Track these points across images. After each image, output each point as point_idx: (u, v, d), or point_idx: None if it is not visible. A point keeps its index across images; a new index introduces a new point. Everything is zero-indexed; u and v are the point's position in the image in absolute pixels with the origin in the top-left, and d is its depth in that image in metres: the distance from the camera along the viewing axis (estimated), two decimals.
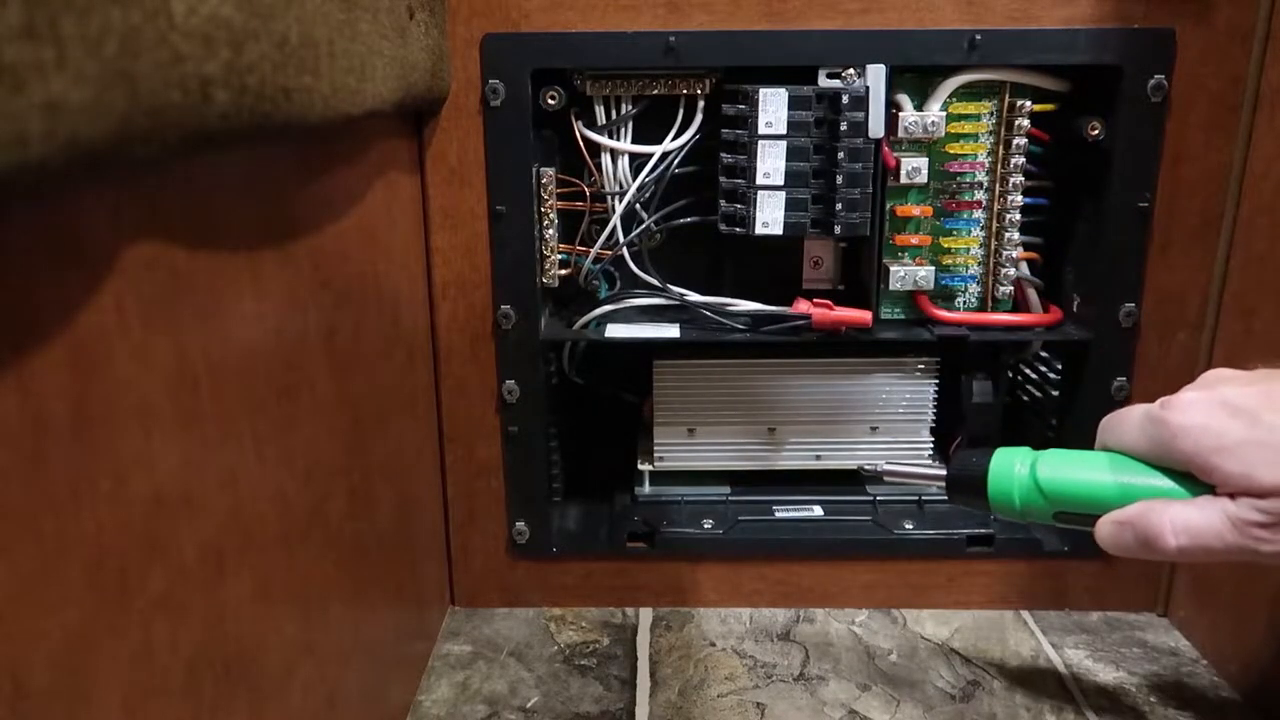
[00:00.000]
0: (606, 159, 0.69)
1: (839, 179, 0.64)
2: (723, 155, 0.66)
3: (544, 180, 0.67)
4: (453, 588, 0.76)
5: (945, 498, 0.76)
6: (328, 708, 0.47)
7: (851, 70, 0.64)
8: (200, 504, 0.34)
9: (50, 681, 0.26)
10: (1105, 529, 0.43)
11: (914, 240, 0.68)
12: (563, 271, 0.70)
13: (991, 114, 0.67)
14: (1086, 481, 0.44)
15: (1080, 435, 0.70)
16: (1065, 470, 0.44)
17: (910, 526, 0.74)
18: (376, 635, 0.56)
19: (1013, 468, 0.45)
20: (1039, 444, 0.75)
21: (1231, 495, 0.39)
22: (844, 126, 0.63)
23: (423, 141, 0.66)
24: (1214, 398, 0.40)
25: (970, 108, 0.66)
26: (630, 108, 0.67)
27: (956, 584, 0.75)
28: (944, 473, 0.49)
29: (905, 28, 0.63)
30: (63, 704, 0.27)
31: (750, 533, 0.74)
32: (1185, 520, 0.40)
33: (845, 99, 0.63)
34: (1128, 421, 0.44)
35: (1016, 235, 0.68)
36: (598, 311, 0.71)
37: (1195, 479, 0.42)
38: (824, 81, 0.64)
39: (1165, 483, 0.42)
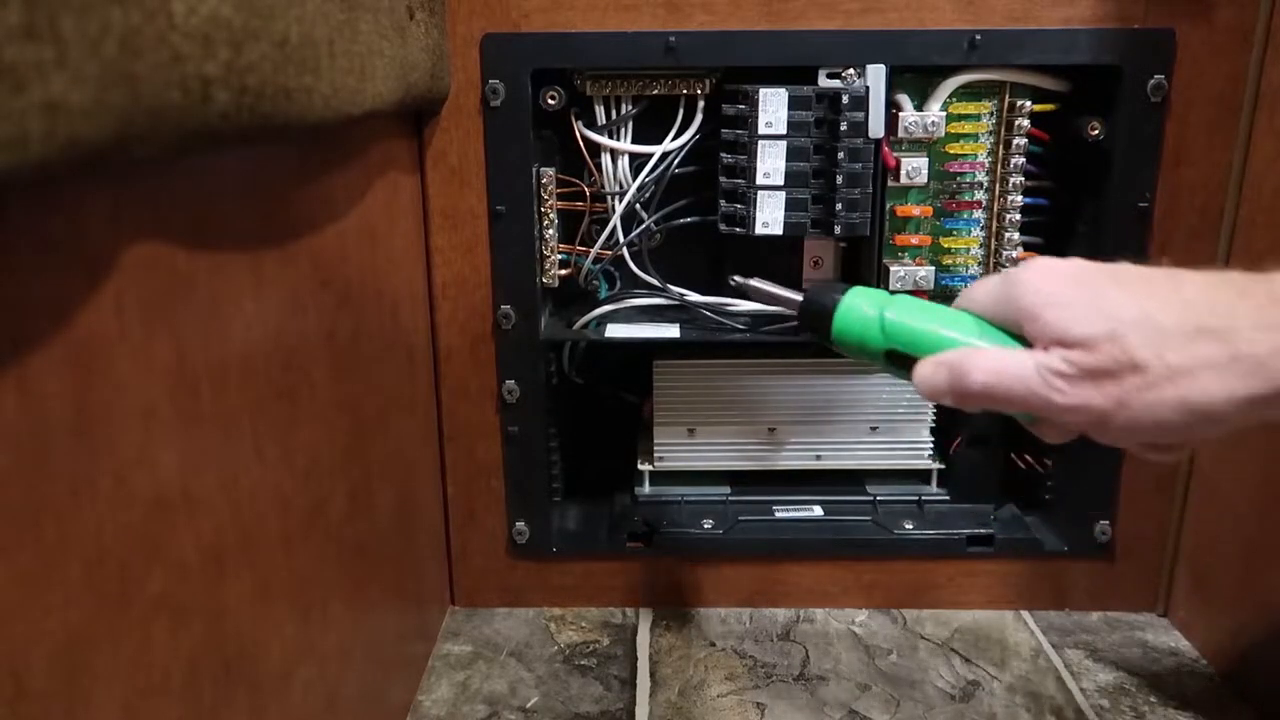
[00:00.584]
0: (606, 159, 0.69)
1: (839, 179, 0.64)
2: (723, 155, 0.66)
3: (544, 180, 0.67)
4: (453, 588, 0.76)
5: (944, 496, 0.77)
6: (328, 708, 0.47)
7: (851, 70, 0.64)
8: (200, 504, 0.34)
9: (50, 681, 0.26)
10: (924, 367, 0.43)
11: (914, 240, 0.68)
12: (563, 271, 0.70)
13: (991, 114, 0.67)
14: (925, 328, 0.44)
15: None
16: (910, 316, 0.45)
17: (910, 526, 0.74)
18: (376, 635, 0.56)
19: (861, 306, 0.46)
20: (1039, 444, 0.76)
21: (1046, 348, 0.39)
22: (844, 126, 0.63)
23: (423, 141, 0.66)
24: (1069, 266, 0.40)
25: (970, 108, 0.66)
26: (630, 108, 0.67)
27: (956, 584, 0.75)
28: (799, 298, 0.50)
29: (905, 28, 0.63)
30: (63, 704, 0.27)
31: (750, 533, 0.74)
32: (996, 361, 0.40)
33: (845, 99, 0.63)
34: (985, 282, 0.44)
35: (1016, 235, 0.68)
36: (598, 311, 0.71)
37: (1024, 342, 0.42)
38: (824, 81, 0.64)
39: (997, 338, 0.42)
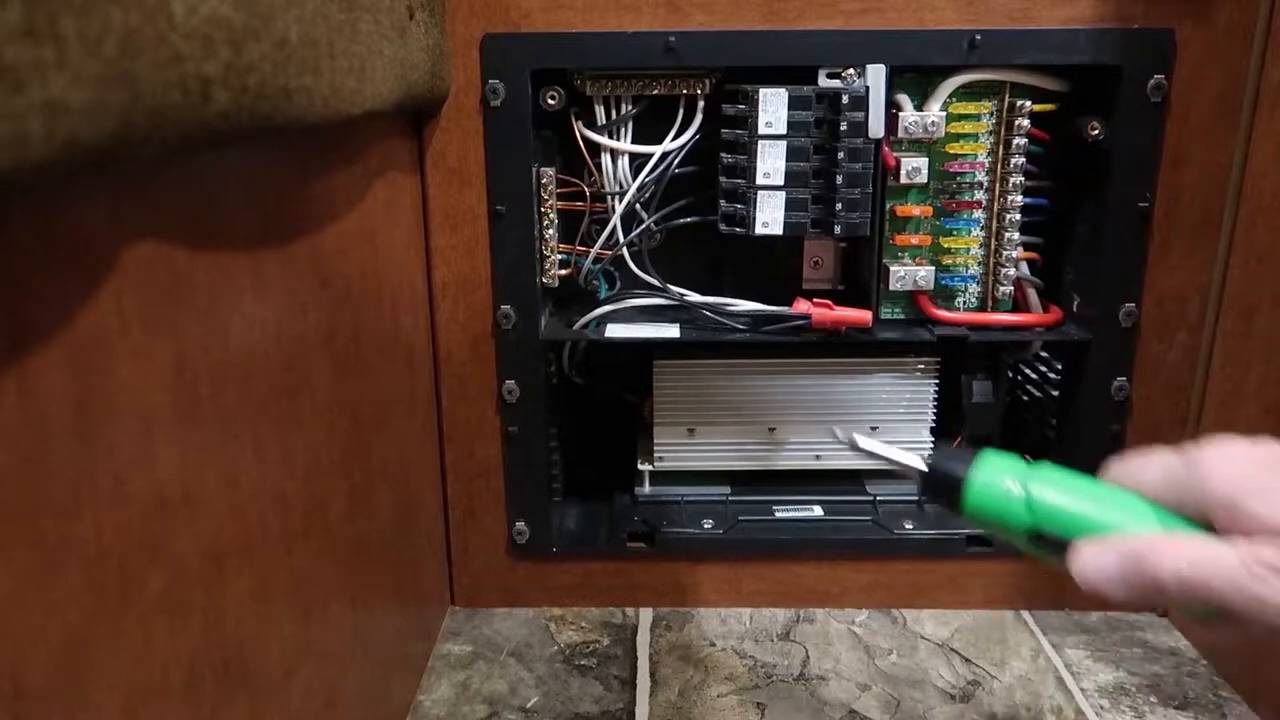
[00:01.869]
0: (606, 159, 0.69)
1: (839, 179, 0.64)
2: (723, 155, 0.66)
3: (544, 180, 0.67)
4: (453, 588, 0.76)
5: None
6: (328, 708, 0.47)
7: (851, 70, 0.64)
8: (200, 504, 0.34)
9: (50, 681, 0.26)
10: (1088, 552, 0.38)
11: (914, 240, 0.68)
12: (563, 271, 0.70)
13: (991, 114, 0.67)
14: (1085, 511, 0.38)
15: (1080, 435, 0.70)
16: (1063, 494, 0.39)
17: (910, 526, 0.74)
18: (376, 635, 0.56)
19: (1002, 477, 0.41)
20: (1039, 444, 0.76)
21: (1249, 538, 0.35)
22: (844, 126, 0.63)
23: (423, 141, 0.66)
24: (1262, 451, 0.37)
25: (970, 108, 0.66)
26: (630, 108, 0.67)
27: (956, 584, 0.75)
28: (922, 468, 0.44)
29: (905, 28, 0.63)
30: (63, 704, 0.27)
31: (750, 533, 0.74)
32: (1190, 550, 0.35)
33: (845, 99, 0.63)
34: (1154, 460, 0.39)
35: (1016, 235, 0.68)
36: (598, 311, 0.71)
37: (1208, 531, 0.37)
38: (824, 81, 0.64)
39: (1175, 524, 0.37)
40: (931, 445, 0.76)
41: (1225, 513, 0.36)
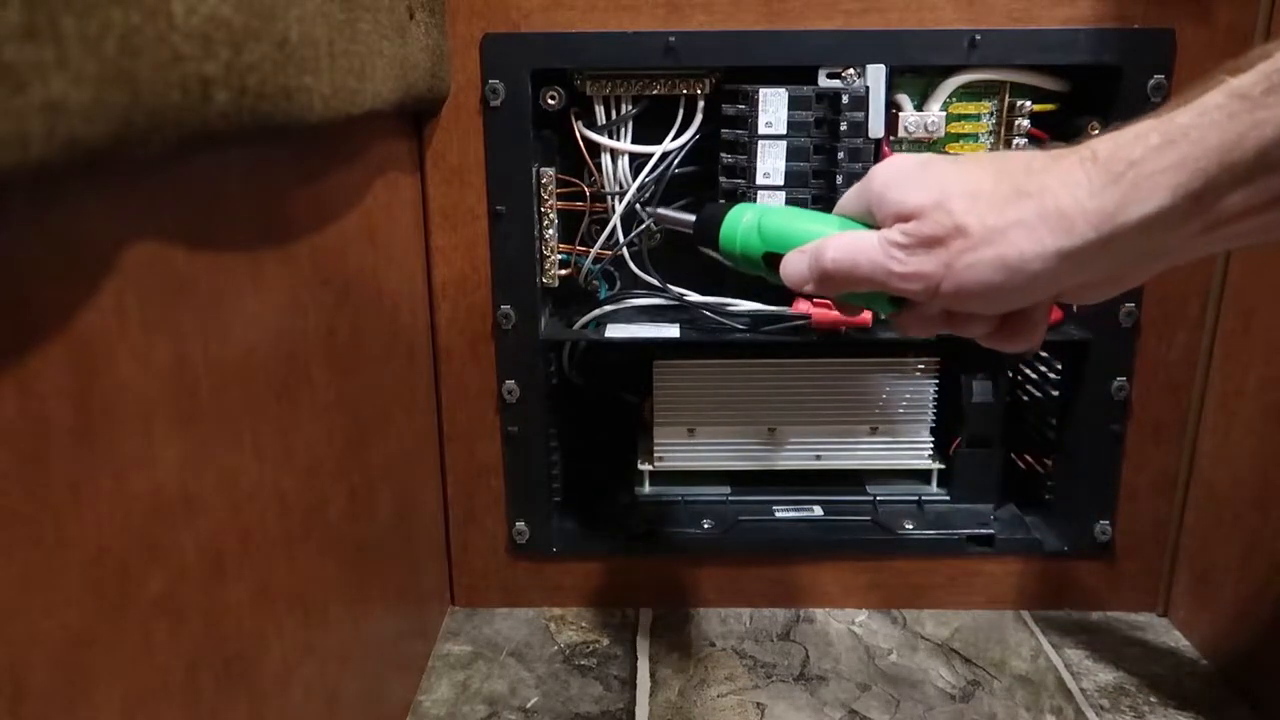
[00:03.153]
0: (606, 159, 0.69)
1: (839, 179, 0.64)
2: (723, 155, 0.66)
3: (544, 180, 0.67)
4: (453, 588, 0.76)
5: (944, 496, 0.77)
6: (328, 708, 0.47)
7: (851, 70, 0.64)
8: (200, 504, 0.34)
9: (50, 681, 0.26)
10: (789, 258, 0.46)
11: None
12: (563, 271, 0.70)
13: (991, 114, 0.67)
14: (796, 226, 0.47)
15: (1080, 435, 0.70)
16: (784, 219, 0.48)
17: (910, 526, 0.74)
18: (376, 635, 0.56)
19: (742, 215, 0.49)
20: (1039, 444, 0.76)
21: (890, 225, 0.42)
22: (844, 126, 0.63)
23: (423, 141, 0.66)
24: (917, 157, 0.43)
25: (970, 108, 0.66)
26: (630, 108, 0.67)
27: (956, 584, 0.75)
28: (693, 218, 0.54)
29: (905, 28, 0.63)
30: (63, 704, 0.27)
31: (750, 533, 0.74)
32: (846, 239, 0.43)
33: (845, 99, 0.63)
34: (852, 189, 0.47)
35: None
36: (598, 311, 0.71)
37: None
38: (824, 81, 0.64)
39: (856, 229, 0.45)
40: (931, 445, 0.76)
41: (878, 206, 0.42)
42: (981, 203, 0.38)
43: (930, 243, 0.39)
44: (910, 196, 0.40)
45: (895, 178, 0.42)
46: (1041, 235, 0.37)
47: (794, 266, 0.45)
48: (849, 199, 0.46)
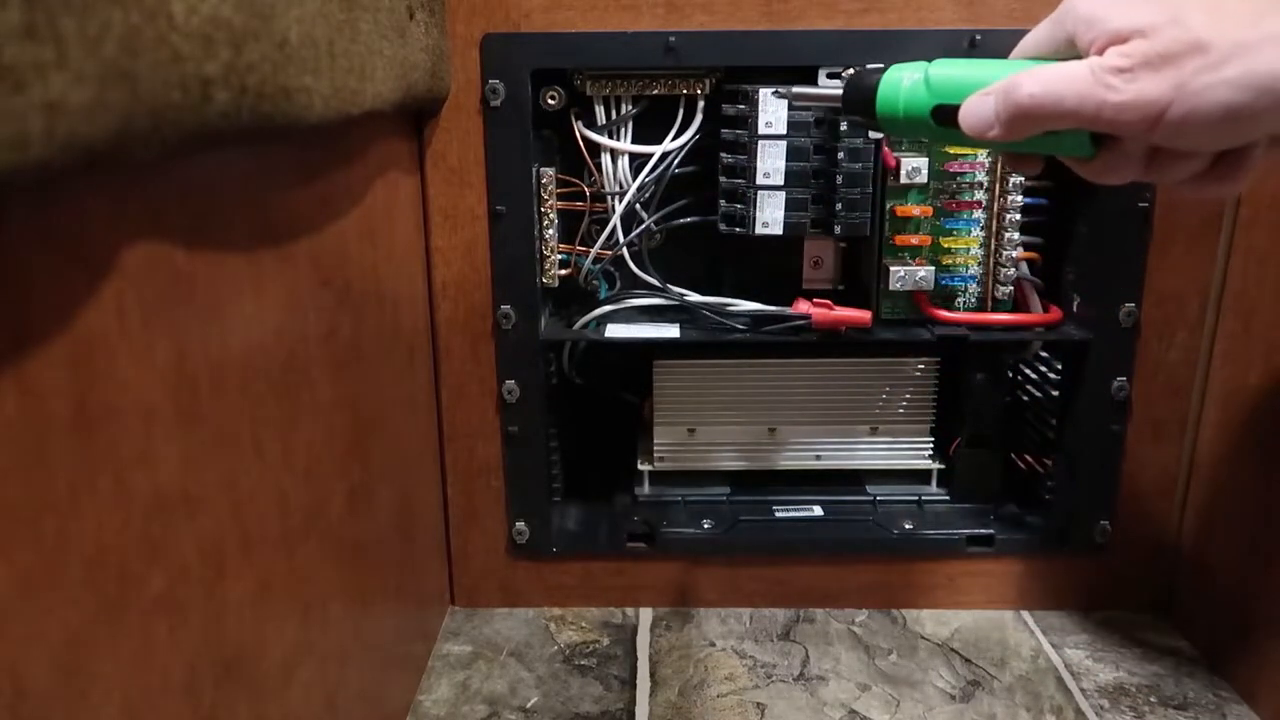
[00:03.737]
0: (606, 159, 0.69)
1: (839, 179, 0.64)
2: (723, 155, 0.66)
3: (544, 180, 0.67)
4: (453, 588, 0.76)
5: (944, 496, 0.77)
6: (328, 708, 0.47)
7: (851, 70, 0.64)
8: (200, 504, 0.34)
9: (50, 681, 0.26)
10: (971, 101, 0.40)
11: (914, 240, 0.68)
12: (563, 271, 0.70)
13: None
14: (975, 72, 0.41)
15: (1080, 435, 0.70)
16: (957, 67, 0.42)
17: (910, 526, 0.74)
18: (376, 635, 0.56)
19: (903, 72, 0.43)
20: (1039, 444, 0.76)
21: (1101, 51, 0.36)
22: (844, 126, 0.63)
23: (423, 141, 0.66)
24: None
25: None
26: (630, 108, 0.67)
27: (956, 584, 0.75)
28: (840, 87, 0.47)
29: (905, 28, 0.63)
30: (63, 704, 0.27)
31: (750, 533, 0.74)
32: (1046, 71, 0.37)
33: None
34: (1038, 27, 0.41)
35: (1016, 235, 0.68)
36: (598, 311, 0.71)
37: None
38: (824, 81, 0.64)
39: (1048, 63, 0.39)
40: (931, 445, 0.76)
41: (1086, 32, 0.37)
42: (1228, 14, 0.33)
43: (1159, 62, 0.34)
44: (1133, 13, 0.34)
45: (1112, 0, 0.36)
46: None
47: (977, 110, 0.39)
48: (1033, 38, 0.40)
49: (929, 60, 0.43)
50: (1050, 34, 0.39)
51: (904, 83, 0.43)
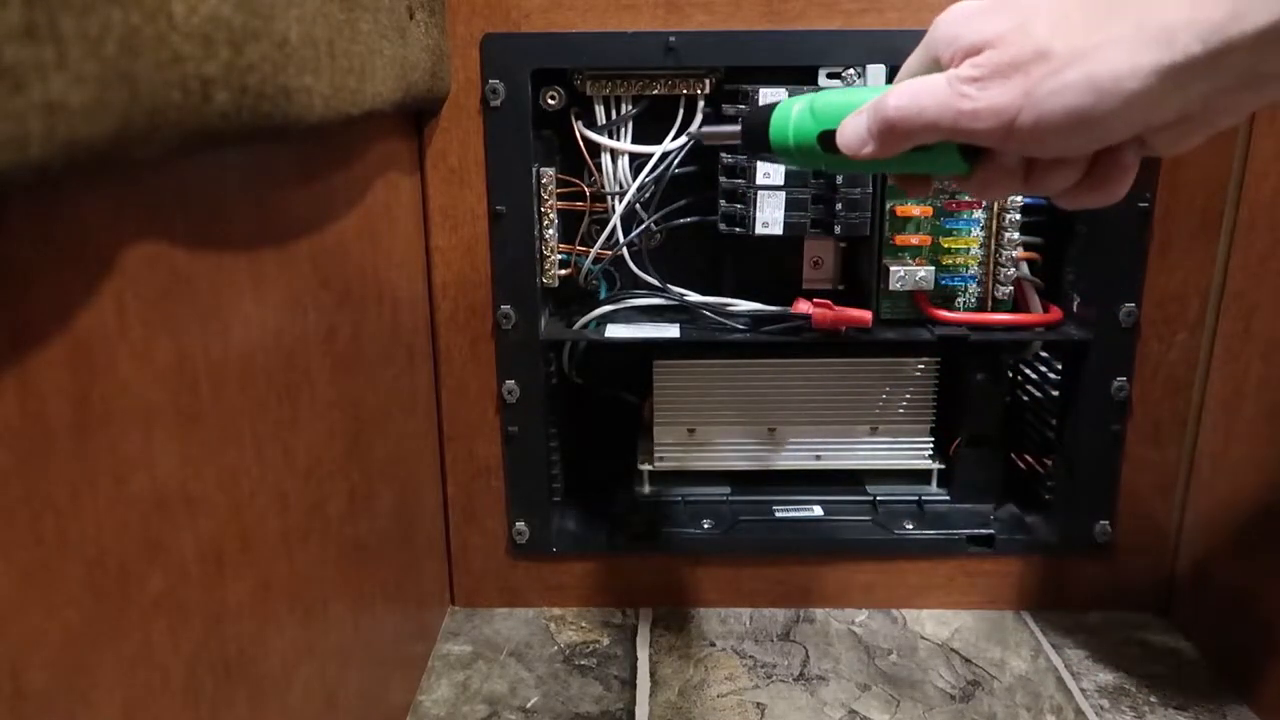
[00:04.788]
0: (606, 159, 0.69)
1: (839, 179, 0.64)
2: (723, 155, 0.66)
3: (544, 180, 0.67)
4: (453, 588, 0.76)
5: (944, 496, 0.77)
6: (328, 708, 0.47)
7: (851, 70, 0.64)
8: (200, 504, 0.34)
9: (50, 681, 0.26)
10: (846, 121, 0.41)
11: (914, 240, 0.68)
12: (563, 271, 0.70)
13: None
14: (853, 98, 0.43)
15: (1080, 435, 0.70)
16: (837, 94, 0.44)
17: (910, 526, 0.74)
18: (376, 635, 0.56)
19: (792, 106, 0.45)
20: (1039, 444, 0.76)
21: (958, 64, 0.37)
22: None
23: (423, 141, 0.66)
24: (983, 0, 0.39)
25: None
26: (630, 108, 0.67)
27: (956, 584, 0.75)
28: (738, 125, 0.49)
29: (905, 27, 0.63)
30: (63, 704, 0.27)
31: (750, 533, 0.74)
32: (910, 86, 0.38)
33: None
34: (912, 54, 0.42)
35: (1016, 235, 0.68)
36: (598, 311, 0.71)
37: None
38: (824, 81, 0.64)
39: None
40: (931, 445, 0.76)
41: (946, 49, 0.38)
42: (1071, 22, 0.34)
43: (1007, 70, 0.35)
44: (984, 27, 0.36)
45: (963, 13, 0.38)
46: (1138, 50, 0.33)
47: (851, 129, 0.41)
48: (909, 64, 0.42)
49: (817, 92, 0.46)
50: (921, 58, 0.41)
51: (793, 113, 0.45)
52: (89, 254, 0.28)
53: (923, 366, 0.75)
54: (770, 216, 0.66)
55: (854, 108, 0.42)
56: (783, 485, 0.78)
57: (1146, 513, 0.72)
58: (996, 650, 0.70)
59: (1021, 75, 0.35)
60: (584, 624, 0.74)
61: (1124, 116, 0.34)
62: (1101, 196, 0.40)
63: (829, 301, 0.68)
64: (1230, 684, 0.66)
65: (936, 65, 0.39)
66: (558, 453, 0.76)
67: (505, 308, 0.68)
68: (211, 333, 0.35)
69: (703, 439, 0.76)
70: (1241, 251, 0.65)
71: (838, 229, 0.65)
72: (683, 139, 0.68)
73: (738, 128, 0.49)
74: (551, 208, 0.68)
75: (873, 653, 0.70)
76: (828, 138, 0.43)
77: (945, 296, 0.70)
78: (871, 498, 0.77)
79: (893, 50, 0.63)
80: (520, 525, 0.73)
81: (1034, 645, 0.71)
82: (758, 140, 0.47)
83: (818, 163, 0.45)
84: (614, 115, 0.68)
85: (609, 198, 0.69)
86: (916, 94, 0.38)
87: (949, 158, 0.40)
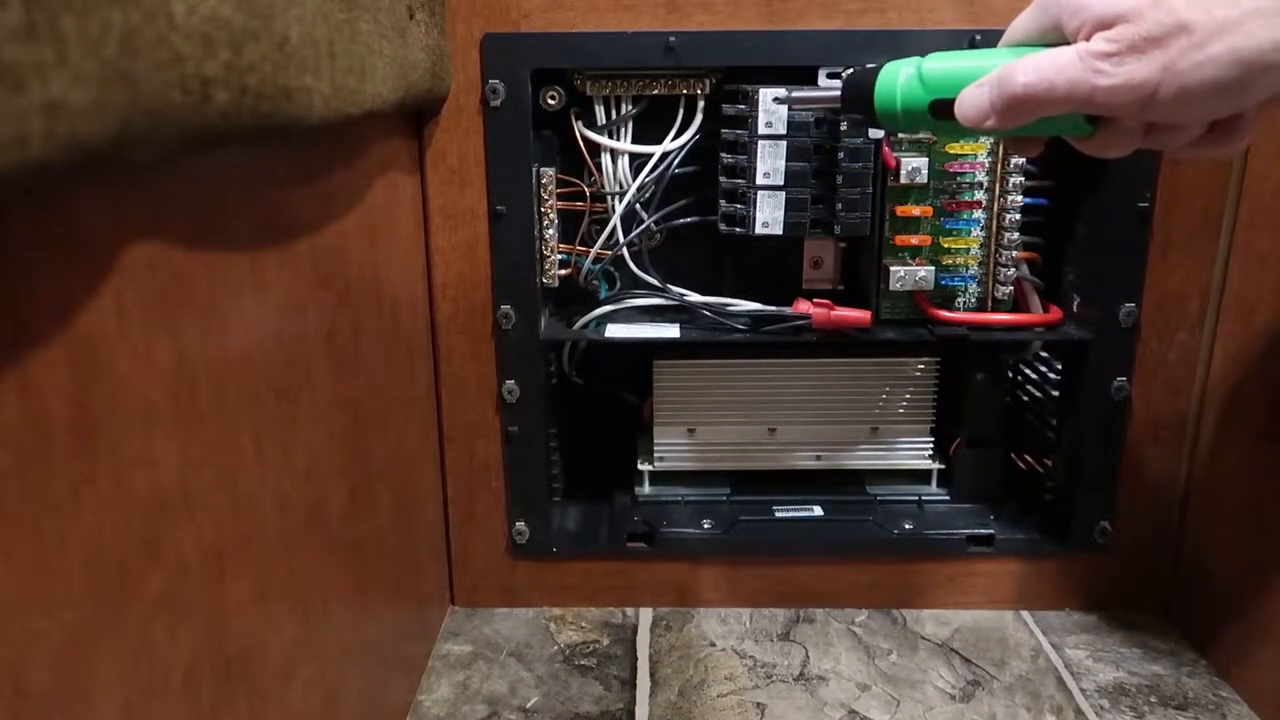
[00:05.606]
0: (606, 159, 0.69)
1: (839, 179, 0.64)
2: (723, 155, 0.66)
3: (544, 180, 0.67)
4: (453, 588, 0.76)
5: (944, 496, 0.77)
6: (328, 708, 0.47)
7: (850, 70, 0.64)
8: (200, 504, 0.34)
9: (50, 681, 0.26)
10: (966, 92, 0.41)
11: (914, 240, 0.68)
12: (563, 271, 0.70)
13: None
14: (967, 64, 0.42)
15: (1080, 435, 0.70)
16: (949, 60, 0.43)
17: (910, 526, 0.74)
18: (376, 635, 0.56)
19: (898, 69, 0.44)
20: (1039, 444, 0.76)
21: (1088, 37, 0.37)
22: (844, 126, 0.63)
23: (423, 141, 0.66)
24: None
25: None
26: (630, 108, 0.67)
27: (956, 584, 0.75)
28: (838, 87, 0.48)
29: (905, 28, 0.63)
30: (63, 704, 0.27)
31: (750, 533, 0.74)
32: (1037, 60, 0.38)
33: None
34: (1022, 14, 0.42)
35: (1016, 235, 0.68)
36: (598, 311, 0.71)
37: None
38: (824, 81, 0.64)
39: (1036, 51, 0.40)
40: (931, 445, 0.76)
41: (1071, 19, 0.38)
42: None
43: (1145, 45, 0.35)
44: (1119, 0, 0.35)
45: None
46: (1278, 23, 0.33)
47: (972, 102, 0.40)
48: (1020, 24, 0.41)
49: (922, 56, 0.44)
50: (1036, 21, 0.40)
51: (899, 79, 0.44)
52: (89, 254, 0.28)
53: (923, 366, 0.75)
54: (770, 216, 0.66)
55: (970, 77, 0.41)
56: (783, 485, 0.78)
57: (1146, 513, 0.72)
58: (996, 650, 0.70)
59: (1160, 50, 0.35)
60: (584, 624, 0.74)
61: (1265, 86, 0.35)
62: (1223, 150, 0.40)
63: (829, 301, 0.68)
64: (1230, 684, 0.66)
65: (1057, 33, 0.39)
66: (558, 453, 0.76)
67: (505, 308, 0.68)
68: (211, 333, 0.35)
69: (703, 439, 0.76)
70: (1241, 251, 0.65)
71: (838, 229, 0.65)
72: (683, 139, 0.68)
73: (834, 91, 0.48)
74: (551, 208, 0.68)
75: (873, 653, 0.70)
76: (941, 106, 0.42)
77: (945, 296, 0.70)
78: (871, 498, 0.77)
79: (893, 50, 0.63)
80: (520, 525, 0.73)
81: (1034, 645, 0.71)
82: (860, 103, 0.46)
83: (928, 128, 0.44)
84: (614, 115, 0.68)
85: (609, 198, 0.69)
86: (1045, 69, 0.38)
87: (1071, 122, 0.40)
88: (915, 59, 0.45)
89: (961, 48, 0.62)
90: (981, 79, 0.40)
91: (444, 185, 0.66)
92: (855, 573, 0.75)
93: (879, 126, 0.47)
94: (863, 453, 0.77)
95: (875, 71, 0.45)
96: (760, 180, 0.65)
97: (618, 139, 0.68)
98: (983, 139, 0.67)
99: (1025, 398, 0.79)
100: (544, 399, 0.71)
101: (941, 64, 0.43)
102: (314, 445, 0.45)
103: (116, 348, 0.29)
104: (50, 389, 0.26)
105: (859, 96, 0.46)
